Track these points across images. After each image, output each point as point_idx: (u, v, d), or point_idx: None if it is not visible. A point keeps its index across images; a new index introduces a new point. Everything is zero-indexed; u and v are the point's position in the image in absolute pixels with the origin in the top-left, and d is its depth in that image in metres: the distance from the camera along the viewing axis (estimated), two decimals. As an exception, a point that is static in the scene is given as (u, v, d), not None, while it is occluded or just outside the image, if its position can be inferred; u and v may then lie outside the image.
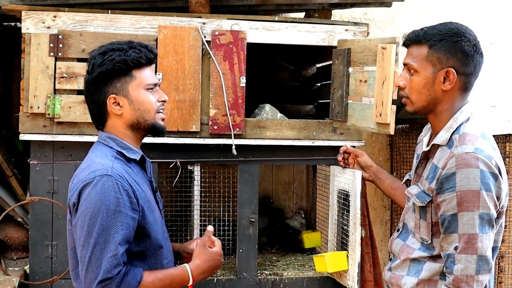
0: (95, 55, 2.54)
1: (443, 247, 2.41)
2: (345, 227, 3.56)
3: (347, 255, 3.56)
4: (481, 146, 2.37)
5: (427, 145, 2.61)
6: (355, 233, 3.45)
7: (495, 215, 2.37)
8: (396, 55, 3.18)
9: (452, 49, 2.44)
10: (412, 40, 2.54)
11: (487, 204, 2.32)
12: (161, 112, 2.64)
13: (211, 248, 2.64)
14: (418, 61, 2.50)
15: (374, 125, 3.36)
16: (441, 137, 2.49)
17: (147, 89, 2.58)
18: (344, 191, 3.53)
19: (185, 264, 2.58)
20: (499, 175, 2.36)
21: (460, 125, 2.47)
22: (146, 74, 2.59)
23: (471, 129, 2.44)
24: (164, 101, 2.66)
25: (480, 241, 2.31)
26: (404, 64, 2.58)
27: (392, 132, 3.21)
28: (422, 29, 2.53)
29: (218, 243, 2.68)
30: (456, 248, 2.34)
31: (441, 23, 2.54)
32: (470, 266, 2.32)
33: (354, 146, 3.94)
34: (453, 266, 2.35)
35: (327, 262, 3.57)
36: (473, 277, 2.32)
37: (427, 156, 2.61)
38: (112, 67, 2.50)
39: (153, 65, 2.68)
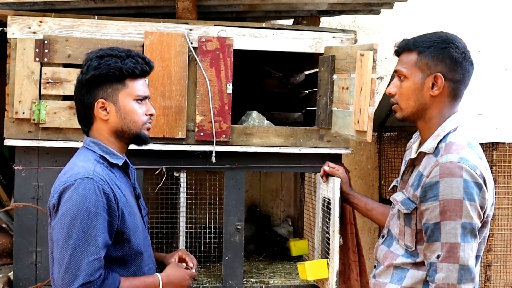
0: (92, 57, 2.55)
1: (426, 255, 2.40)
2: (327, 234, 3.54)
3: (328, 263, 3.54)
4: (466, 155, 2.36)
5: (415, 153, 2.61)
6: (334, 241, 3.43)
7: (478, 224, 2.36)
8: (374, 62, 3.15)
9: (440, 55, 2.46)
10: (403, 47, 2.57)
11: (470, 214, 2.31)
12: (148, 123, 2.65)
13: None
14: (407, 67, 2.53)
15: (354, 133, 3.35)
16: (428, 145, 2.49)
17: (137, 100, 2.58)
18: (327, 198, 3.51)
19: (157, 274, 2.66)
20: (483, 185, 2.35)
21: (447, 134, 2.47)
22: (139, 85, 2.61)
23: (458, 138, 2.44)
24: (151, 115, 2.66)
25: (462, 250, 2.31)
26: (395, 72, 2.60)
27: (369, 140, 3.19)
28: (413, 37, 2.56)
29: (193, 270, 2.83)
30: (438, 257, 2.34)
31: (431, 32, 2.56)
32: (452, 275, 2.31)
33: (341, 154, 3.94)
34: (435, 274, 2.34)
35: (307, 270, 3.56)
36: (454, 286, 2.31)
37: (413, 164, 2.61)
38: (106, 72, 2.52)
39: (147, 78, 2.69)
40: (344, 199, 3.29)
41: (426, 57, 2.48)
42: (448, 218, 2.32)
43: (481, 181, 2.34)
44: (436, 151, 2.45)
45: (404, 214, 2.54)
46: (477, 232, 2.35)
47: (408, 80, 2.53)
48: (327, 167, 3.35)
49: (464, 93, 2.56)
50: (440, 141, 2.47)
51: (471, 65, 2.51)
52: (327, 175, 3.38)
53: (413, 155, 2.59)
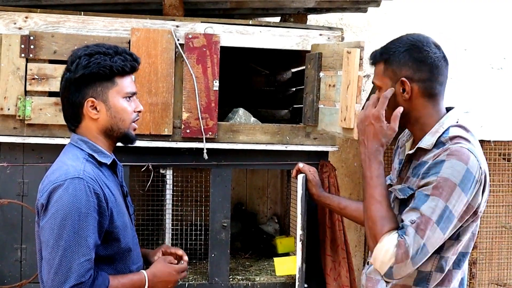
0: (81, 55, 2.51)
1: (402, 219, 2.37)
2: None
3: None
4: (475, 150, 2.37)
5: (410, 149, 2.60)
6: (297, 237, 3.45)
7: (455, 222, 2.35)
8: (361, 59, 3.16)
9: (402, 60, 2.46)
10: (372, 59, 2.59)
11: (456, 202, 2.30)
12: (135, 122, 2.63)
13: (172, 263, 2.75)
14: (379, 78, 2.55)
15: (340, 130, 3.35)
16: (427, 141, 2.47)
17: (126, 97, 2.57)
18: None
19: (143, 271, 2.64)
20: (483, 181, 2.35)
21: (447, 129, 2.46)
22: (127, 82, 2.59)
23: (462, 133, 2.43)
24: (139, 112, 2.65)
25: (431, 230, 2.29)
26: (373, 84, 2.61)
27: (356, 137, 3.20)
28: (381, 47, 2.57)
29: (182, 265, 2.79)
30: (412, 222, 2.32)
31: (396, 38, 2.56)
32: (413, 246, 2.29)
33: (327, 152, 3.94)
34: (405, 236, 2.32)
35: (275, 266, 3.58)
36: (408, 257, 2.30)
37: (411, 159, 2.60)
38: (97, 70, 2.49)
39: (133, 74, 2.67)
40: (317, 201, 3.32)
41: (391, 64, 2.49)
42: (436, 194, 2.30)
43: (482, 177, 2.35)
44: (438, 145, 2.44)
45: (400, 201, 2.53)
46: (450, 228, 2.34)
47: (382, 90, 2.53)
48: (301, 164, 3.39)
49: (446, 88, 2.55)
50: (440, 136, 2.46)
51: (439, 60, 2.48)
52: (301, 173, 3.42)
53: (410, 151, 2.58)
